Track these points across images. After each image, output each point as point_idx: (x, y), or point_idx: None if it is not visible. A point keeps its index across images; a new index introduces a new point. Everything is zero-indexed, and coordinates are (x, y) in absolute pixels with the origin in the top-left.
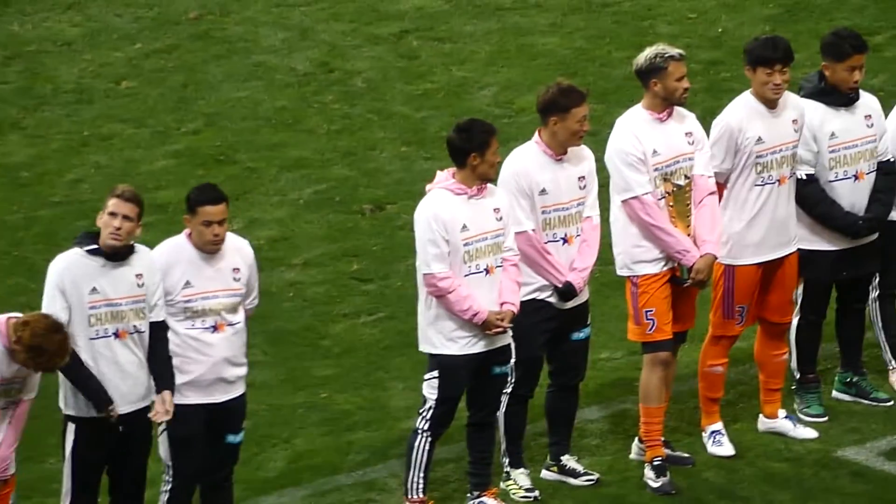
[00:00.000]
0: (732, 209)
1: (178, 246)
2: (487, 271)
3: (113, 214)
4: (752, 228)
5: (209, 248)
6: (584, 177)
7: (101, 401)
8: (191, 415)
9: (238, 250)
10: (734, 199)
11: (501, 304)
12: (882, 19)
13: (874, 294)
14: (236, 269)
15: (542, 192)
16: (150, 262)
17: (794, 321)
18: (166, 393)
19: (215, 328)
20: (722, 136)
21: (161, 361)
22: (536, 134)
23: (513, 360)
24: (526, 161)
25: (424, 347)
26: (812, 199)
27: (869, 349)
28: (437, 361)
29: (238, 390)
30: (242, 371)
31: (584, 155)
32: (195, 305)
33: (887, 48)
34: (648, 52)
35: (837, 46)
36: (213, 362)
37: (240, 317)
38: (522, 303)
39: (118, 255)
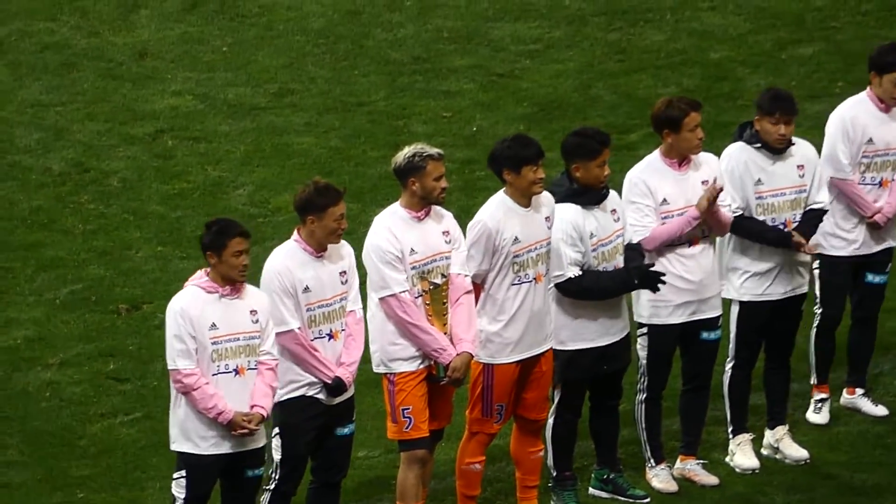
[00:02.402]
0: (490, 309)
1: None
2: (237, 372)
3: None
4: (510, 327)
5: None
6: (345, 272)
7: None
8: None
9: None
10: (492, 299)
11: (252, 407)
12: (636, 117)
13: (641, 396)
14: None
15: (306, 289)
16: None
17: (550, 419)
18: None
19: None
20: (479, 238)
21: None
22: (296, 232)
23: (278, 457)
24: (287, 260)
25: (174, 446)
26: (591, 284)
27: (625, 446)
28: (185, 460)
29: None
30: None
31: (343, 252)
32: None
33: (642, 146)
34: (407, 150)
35: (586, 146)
36: None
37: None
38: (292, 399)
39: None
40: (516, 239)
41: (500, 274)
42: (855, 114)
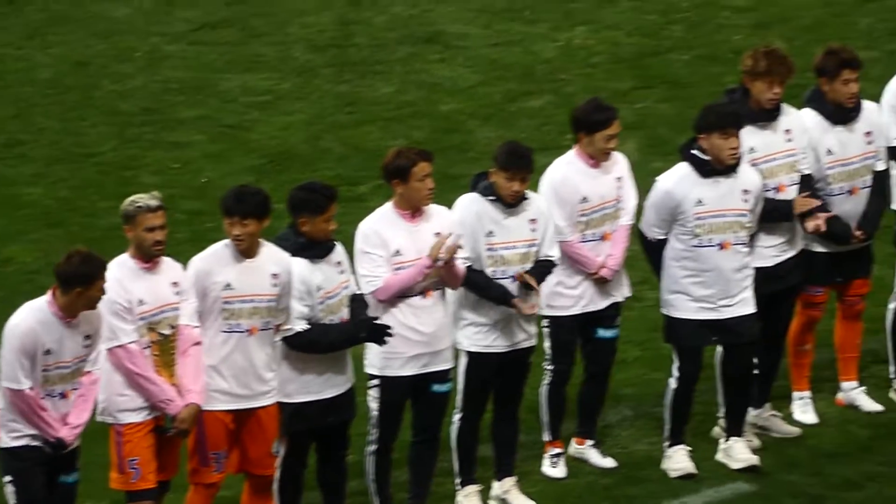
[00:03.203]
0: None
1: None
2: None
3: None
4: (217, 375)
5: None
6: (90, 336)
7: None
8: None
9: None
10: (204, 345)
11: None
12: (366, 169)
13: (371, 448)
14: None
15: (47, 352)
16: None
17: (278, 472)
18: None
19: None
20: (190, 278)
21: None
22: (50, 294)
23: None
24: (34, 322)
25: None
26: (319, 337)
27: (353, 497)
28: None
29: None
30: None
31: (93, 317)
32: None
33: (372, 198)
34: (127, 201)
35: (313, 200)
36: None
37: None
38: (16, 447)
39: None
40: (228, 285)
41: (210, 319)
42: (565, 175)
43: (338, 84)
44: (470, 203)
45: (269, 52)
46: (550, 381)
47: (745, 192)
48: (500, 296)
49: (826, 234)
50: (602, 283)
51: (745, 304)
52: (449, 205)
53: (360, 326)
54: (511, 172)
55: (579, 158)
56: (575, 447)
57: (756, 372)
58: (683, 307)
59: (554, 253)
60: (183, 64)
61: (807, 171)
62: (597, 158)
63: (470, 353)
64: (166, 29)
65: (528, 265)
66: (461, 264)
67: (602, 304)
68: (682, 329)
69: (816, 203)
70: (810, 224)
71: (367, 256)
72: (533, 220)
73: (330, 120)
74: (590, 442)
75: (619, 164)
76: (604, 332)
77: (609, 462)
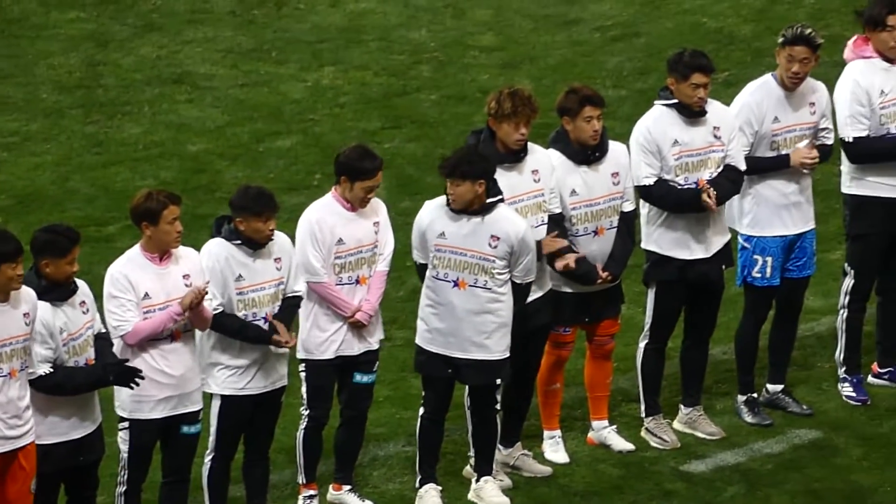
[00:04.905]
0: None
1: None
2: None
3: None
4: None
5: None
6: None
7: None
8: None
9: None
10: None
11: None
12: (114, 210)
13: (121, 489)
14: None
15: None
16: None
17: None
18: None
19: None
20: None
21: None
22: None
23: None
24: None
25: None
26: (65, 380)
27: None
28: None
29: None
30: None
31: None
32: None
33: (120, 238)
34: None
35: (56, 243)
36: None
37: None
38: None
39: None
40: None
41: None
42: (321, 217)
43: (86, 125)
44: (217, 248)
45: (16, 94)
46: (307, 426)
47: (495, 237)
48: (257, 336)
49: (572, 275)
50: (358, 328)
51: (479, 349)
52: (197, 245)
53: (108, 370)
54: (266, 215)
55: (336, 201)
56: (332, 493)
57: (503, 411)
58: (422, 336)
59: (300, 287)
60: None
61: (556, 211)
62: (354, 204)
63: (223, 396)
64: None
65: (278, 304)
66: (209, 307)
67: (357, 348)
68: (420, 356)
69: (563, 244)
70: (559, 264)
71: (116, 301)
72: (278, 259)
73: (78, 161)
74: (346, 487)
75: (378, 209)
76: (360, 378)
77: None
